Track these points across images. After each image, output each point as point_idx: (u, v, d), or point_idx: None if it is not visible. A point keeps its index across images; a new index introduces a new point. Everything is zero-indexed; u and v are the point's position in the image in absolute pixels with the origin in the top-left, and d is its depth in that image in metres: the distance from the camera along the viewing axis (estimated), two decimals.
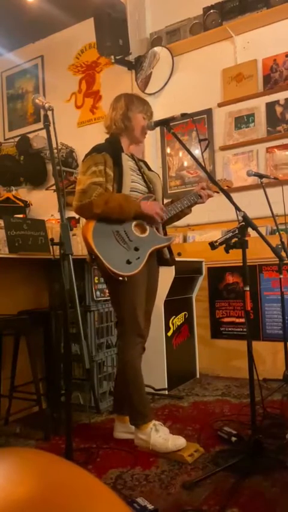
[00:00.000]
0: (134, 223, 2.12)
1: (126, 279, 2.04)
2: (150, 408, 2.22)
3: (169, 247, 2.34)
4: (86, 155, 2.14)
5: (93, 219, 2.04)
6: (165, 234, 2.30)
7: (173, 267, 2.98)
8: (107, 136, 2.31)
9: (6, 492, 0.41)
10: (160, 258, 2.32)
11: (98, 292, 2.81)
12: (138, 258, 2.07)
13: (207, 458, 1.99)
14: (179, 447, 2.02)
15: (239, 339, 3.41)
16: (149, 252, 2.12)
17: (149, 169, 2.39)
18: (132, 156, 2.30)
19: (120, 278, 2.02)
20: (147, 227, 2.16)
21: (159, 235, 2.20)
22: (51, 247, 2.66)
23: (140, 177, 2.26)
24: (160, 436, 2.06)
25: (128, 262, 2.03)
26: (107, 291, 2.85)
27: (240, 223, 1.92)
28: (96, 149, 2.14)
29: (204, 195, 2.28)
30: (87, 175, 2.06)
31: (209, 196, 2.30)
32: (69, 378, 2.08)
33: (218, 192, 2.34)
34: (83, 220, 3.60)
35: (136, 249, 2.08)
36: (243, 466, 1.80)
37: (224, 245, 1.93)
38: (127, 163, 2.16)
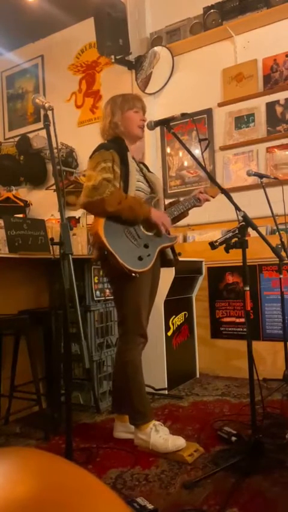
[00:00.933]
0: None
1: (138, 275, 2.03)
2: (150, 408, 2.22)
3: (172, 248, 2.35)
4: (94, 151, 2.14)
5: (102, 217, 2.02)
6: (168, 233, 2.31)
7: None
8: (105, 138, 2.31)
9: (6, 492, 0.41)
10: (163, 259, 2.32)
11: (98, 292, 2.81)
12: (149, 255, 2.09)
13: (207, 458, 1.99)
14: (179, 447, 2.01)
15: (239, 339, 3.41)
16: (159, 249, 2.14)
17: (149, 171, 2.40)
18: (133, 159, 2.31)
19: (133, 274, 2.01)
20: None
21: (165, 234, 2.21)
22: (51, 247, 2.68)
23: (143, 177, 2.28)
24: (160, 436, 2.06)
25: (140, 258, 2.04)
26: (107, 291, 2.85)
27: (240, 223, 1.92)
28: (104, 146, 2.15)
29: (203, 198, 2.33)
30: (97, 171, 2.04)
31: (206, 200, 2.36)
32: (69, 377, 2.08)
33: (213, 197, 2.39)
34: (83, 220, 3.60)
35: (146, 246, 2.10)
36: (243, 465, 1.80)
37: (224, 245, 1.93)
38: (133, 163, 2.17)
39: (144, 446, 2.08)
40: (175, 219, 2.34)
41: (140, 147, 2.48)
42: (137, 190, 2.15)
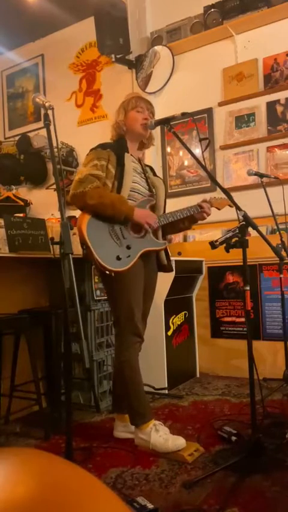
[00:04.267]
0: (131, 222, 2.13)
1: (113, 274, 2.04)
2: (149, 408, 2.22)
3: (167, 254, 2.34)
4: (92, 149, 2.18)
5: (86, 211, 2.05)
6: (164, 238, 2.31)
7: (173, 266, 2.99)
8: (106, 135, 2.33)
9: (6, 492, 0.41)
10: (158, 263, 2.33)
11: (98, 292, 2.81)
12: (129, 256, 2.08)
13: (207, 458, 1.99)
14: (179, 447, 2.01)
15: (239, 339, 3.41)
16: (140, 252, 2.12)
17: (155, 174, 2.40)
18: (138, 160, 2.31)
19: (107, 272, 2.02)
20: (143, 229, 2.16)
21: (153, 239, 2.19)
22: (51, 246, 2.68)
23: (144, 180, 2.28)
24: (160, 436, 2.06)
25: (118, 258, 2.04)
26: None
27: (241, 223, 1.92)
28: (102, 145, 2.18)
29: (206, 206, 2.27)
30: (87, 167, 2.09)
31: (207, 210, 2.28)
32: (69, 377, 2.09)
33: (219, 209, 2.35)
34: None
35: (128, 247, 2.09)
36: (243, 465, 1.80)
37: (224, 244, 1.93)
38: (130, 163, 2.17)
39: (145, 446, 2.08)
40: (172, 228, 2.33)
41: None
42: (132, 191, 2.15)
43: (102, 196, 2.02)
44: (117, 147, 2.18)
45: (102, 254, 2.00)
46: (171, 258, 3.07)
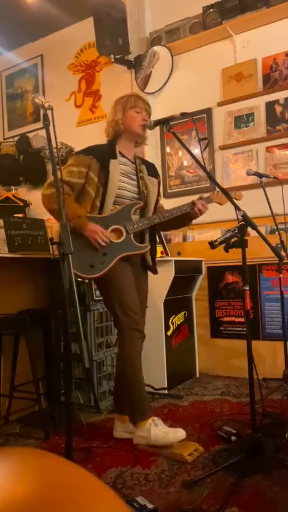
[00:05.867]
0: (111, 228, 2.14)
1: (86, 281, 2.07)
2: (150, 405, 2.23)
3: (153, 257, 2.34)
4: (75, 152, 2.20)
5: (49, 212, 2.09)
6: (153, 240, 2.31)
7: (173, 266, 3.00)
8: (107, 137, 2.33)
9: (6, 491, 0.41)
10: (145, 264, 2.34)
11: (97, 292, 2.80)
12: (103, 262, 2.10)
13: (207, 458, 1.99)
14: (180, 438, 2.04)
15: (238, 338, 3.41)
16: (117, 258, 2.13)
17: (153, 173, 2.38)
18: (134, 160, 2.30)
19: (79, 279, 2.04)
20: (124, 233, 2.16)
21: (133, 243, 2.18)
22: (50, 246, 2.68)
23: (135, 182, 2.26)
24: (160, 429, 2.07)
25: (91, 266, 2.08)
26: None
27: (240, 223, 1.92)
28: (86, 151, 2.19)
29: (199, 203, 2.25)
30: (64, 172, 2.09)
31: (202, 207, 2.26)
32: (69, 377, 2.08)
33: (221, 204, 2.34)
34: None
35: (104, 254, 2.11)
36: (243, 465, 1.80)
37: (223, 244, 1.93)
38: (116, 170, 2.16)
39: (145, 443, 2.09)
40: (169, 226, 2.33)
41: (140, 147, 2.47)
42: (117, 197, 2.16)
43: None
44: (102, 153, 2.17)
45: (75, 263, 2.01)
46: (171, 258, 3.09)
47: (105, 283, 2.14)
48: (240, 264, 1.95)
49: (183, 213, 2.25)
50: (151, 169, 2.39)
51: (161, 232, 3.54)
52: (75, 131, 4.82)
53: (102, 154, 2.17)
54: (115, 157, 2.19)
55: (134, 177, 2.27)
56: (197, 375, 3.48)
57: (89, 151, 2.18)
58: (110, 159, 2.16)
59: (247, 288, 1.93)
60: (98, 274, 2.08)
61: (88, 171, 2.12)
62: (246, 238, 1.93)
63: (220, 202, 2.34)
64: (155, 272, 2.38)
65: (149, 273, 2.40)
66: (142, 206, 2.25)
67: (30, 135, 5.05)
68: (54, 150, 1.66)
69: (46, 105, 1.70)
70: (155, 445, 2.05)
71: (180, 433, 2.06)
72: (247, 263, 1.96)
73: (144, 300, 2.36)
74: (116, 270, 2.12)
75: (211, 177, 2.12)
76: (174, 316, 3.23)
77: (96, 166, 2.13)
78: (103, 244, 2.11)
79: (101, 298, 2.80)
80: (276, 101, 3.67)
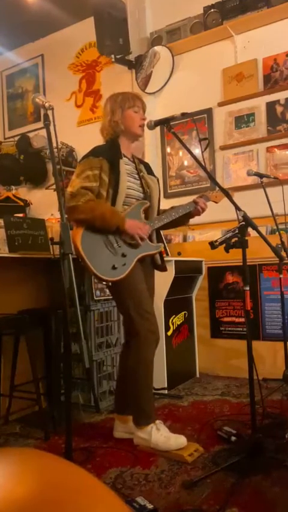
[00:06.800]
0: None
1: (110, 284, 2.06)
2: (155, 410, 2.22)
3: (161, 255, 2.34)
4: (84, 157, 2.14)
5: (77, 224, 2.05)
6: (159, 240, 2.31)
7: (173, 266, 3.00)
8: (105, 137, 2.30)
9: (5, 492, 0.41)
10: (154, 263, 2.34)
11: (98, 292, 2.80)
12: (124, 264, 2.08)
13: (207, 458, 1.99)
14: (181, 445, 2.02)
15: (238, 339, 3.41)
16: (136, 258, 2.12)
17: (150, 172, 2.37)
18: (133, 159, 2.30)
19: (104, 283, 2.03)
20: None
21: (148, 243, 2.19)
22: (51, 246, 2.68)
23: (138, 181, 2.26)
24: (161, 434, 2.06)
25: (114, 267, 2.05)
26: (107, 290, 2.85)
27: (241, 223, 1.92)
28: (94, 152, 2.14)
29: (201, 201, 2.28)
30: (80, 179, 2.07)
31: (204, 205, 2.30)
32: (69, 377, 2.08)
33: (216, 202, 2.36)
34: None
35: (123, 255, 2.09)
36: (243, 465, 1.80)
37: (224, 244, 1.93)
38: (125, 169, 2.15)
39: (145, 445, 2.08)
40: (169, 225, 2.33)
41: (138, 147, 2.47)
42: (126, 197, 2.15)
43: (93, 210, 2.01)
44: (110, 153, 2.15)
45: (97, 266, 2.01)
46: (171, 258, 3.09)
47: (119, 285, 2.09)
48: (241, 264, 1.95)
49: (187, 211, 2.27)
50: (148, 169, 2.39)
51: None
52: (76, 131, 4.82)
53: (111, 155, 2.14)
54: (121, 157, 2.18)
55: (137, 177, 2.27)
56: (197, 375, 3.48)
57: (98, 152, 2.13)
58: (119, 158, 2.15)
59: (247, 288, 1.93)
60: (122, 276, 2.05)
61: (100, 172, 2.09)
62: (246, 238, 1.93)
63: (216, 201, 2.37)
64: (164, 270, 2.37)
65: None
66: (148, 206, 2.25)
67: (30, 134, 5.05)
68: (55, 150, 1.66)
69: (47, 105, 1.70)
70: (155, 448, 2.05)
71: (182, 440, 2.03)
72: (247, 263, 1.96)
73: (152, 299, 2.34)
74: (131, 270, 2.11)
75: (211, 177, 2.12)
76: (174, 316, 3.23)
77: (107, 167, 2.10)
78: (145, 238, 2.12)
79: (101, 298, 2.82)
80: (277, 101, 3.67)
